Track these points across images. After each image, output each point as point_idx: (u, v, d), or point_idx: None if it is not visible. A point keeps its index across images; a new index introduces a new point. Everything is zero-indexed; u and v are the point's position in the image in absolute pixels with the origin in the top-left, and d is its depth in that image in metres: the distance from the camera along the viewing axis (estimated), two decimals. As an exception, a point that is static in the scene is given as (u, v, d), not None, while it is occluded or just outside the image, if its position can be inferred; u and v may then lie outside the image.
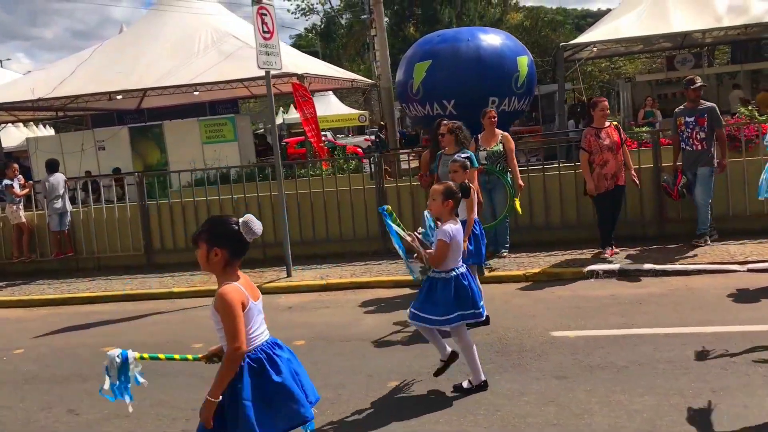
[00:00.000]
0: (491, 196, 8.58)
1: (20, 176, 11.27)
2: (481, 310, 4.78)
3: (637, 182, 8.43)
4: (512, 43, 16.22)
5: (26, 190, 11.21)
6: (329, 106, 30.10)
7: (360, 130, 33.62)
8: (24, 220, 11.03)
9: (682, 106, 8.85)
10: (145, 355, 3.52)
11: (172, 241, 10.67)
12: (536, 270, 8.06)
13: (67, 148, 19.37)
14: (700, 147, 8.46)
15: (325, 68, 21.05)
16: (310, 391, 3.33)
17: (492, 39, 15.65)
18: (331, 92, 30.09)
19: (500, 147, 8.55)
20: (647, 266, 7.74)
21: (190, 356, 3.65)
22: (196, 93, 20.84)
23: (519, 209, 7.98)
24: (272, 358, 3.19)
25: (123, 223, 10.79)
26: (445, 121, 7.65)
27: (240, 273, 3.25)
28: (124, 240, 10.81)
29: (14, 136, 30.72)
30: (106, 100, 20.35)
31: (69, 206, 11.06)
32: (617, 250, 8.42)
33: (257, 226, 3.18)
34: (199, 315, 7.98)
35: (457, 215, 4.90)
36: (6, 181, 10.93)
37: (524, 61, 15.96)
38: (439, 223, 4.75)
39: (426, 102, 16.18)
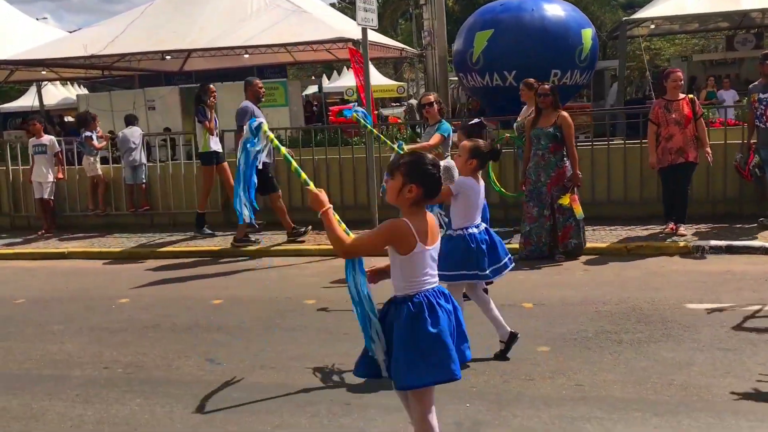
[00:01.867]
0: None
1: (99, 129, 11.10)
2: (487, 272, 4.69)
3: (710, 160, 7.97)
4: (577, 15, 15.87)
5: (104, 143, 11.05)
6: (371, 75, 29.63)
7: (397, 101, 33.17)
8: (100, 172, 10.88)
9: (756, 83, 8.52)
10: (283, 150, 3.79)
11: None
12: (637, 244, 7.83)
13: (117, 106, 19.13)
14: None
15: (374, 36, 20.69)
16: (461, 351, 3.18)
17: (556, 10, 15.30)
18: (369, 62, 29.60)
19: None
20: (757, 243, 7.52)
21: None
22: (246, 56, 20.53)
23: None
24: (433, 306, 3.06)
25: (200, 180, 10.58)
26: (427, 95, 7.82)
27: (427, 214, 3.13)
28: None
29: (52, 94, 30.51)
30: (158, 59, 20.10)
31: (143, 159, 10.89)
32: (683, 228, 8.01)
33: (457, 173, 3.20)
34: (295, 274, 7.84)
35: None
36: (86, 133, 10.76)
37: (588, 34, 15.61)
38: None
39: (486, 72, 15.87)
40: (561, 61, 15.00)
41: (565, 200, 7.46)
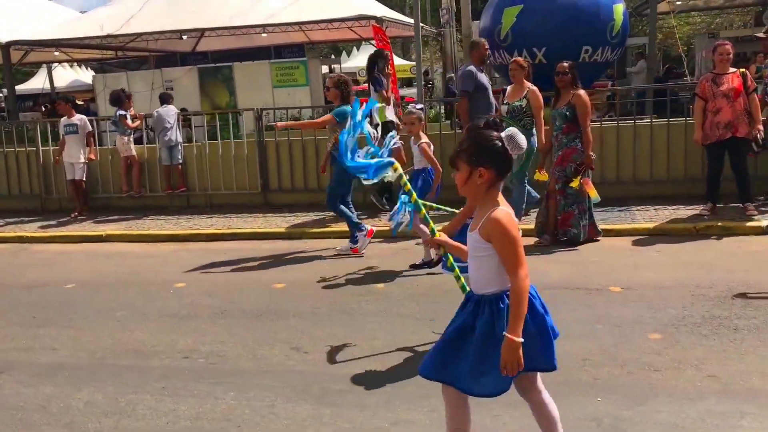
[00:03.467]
0: None
1: (132, 108, 10.68)
2: None
3: (761, 137, 7.55)
4: (608, -11, 15.37)
5: (138, 122, 10.63)
6: (380, 56, 29.08)
7: (409, 82, 32.70)
8: (134, 152, 10.48)
9: None
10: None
11: (290, 180, 10.10)
12: (706, 224, 7.47)
13: (135, 87, 18.66)
14: None
15: (390, 13, 20.22)
16: (553, 330, 2.89)
17: (588, -17, 14.82)
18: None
19: (524, 102, 7.57)
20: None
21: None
22: (265, 35, 20.06)
23: (544, 177, 7.32)
24: (532, 301, 2.75)
25: (239, 161, 10.21)
26: (331, 75, 7.81)
27: (502, 197, 2.79)
28: (240, 178, 10.24)
29: (62, 76, 29.92)
30: (172, 39, 19.60)
31: (180, 139, 10.48)
32: (752, 207, 7.64)
33: (522, 140, 2.76)
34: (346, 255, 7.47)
35: None
36: (120, 112, 10.34)
37: (620, 10, 15.14)
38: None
39: (514, 49, 15.37)
40: (592, 37, 14.54)
41: (575, 183, 7.04)
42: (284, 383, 4.22)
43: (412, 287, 6.07)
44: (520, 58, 8.60)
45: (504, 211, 2.70)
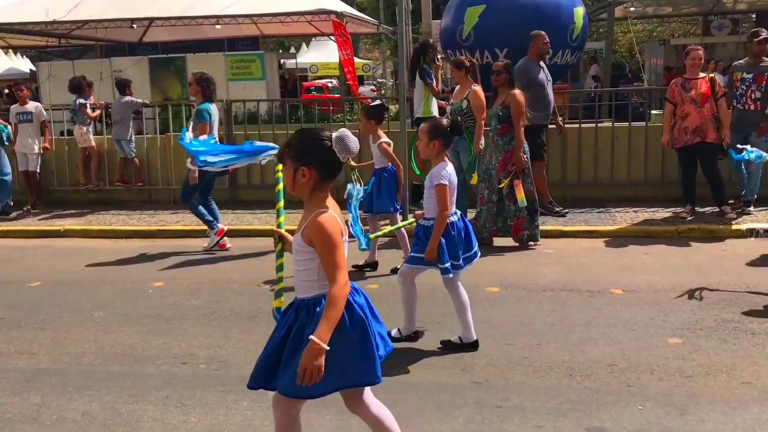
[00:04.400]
0: (458, 156, 7.29)
1: (92, 98, 10.07)
2: (460, 262, 4.35)
3: (726, 142, 7.51)
4: (569, -7, 15.47)
5: (98, 112, 10.03)
6: (331, 53, 28.78)
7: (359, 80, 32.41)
8: (93, 143, 9.89)
9: (742, 61, 8.18)
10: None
11: (260, 176, 9.72)
12: (688, 227, 7.49)
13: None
14: (753, 107, 7.77)
15: (349, 10, 19.93)
16: (381, 343, 2.77)
17: (549, -14, 14.88)
18: (329, 38, 28.77)
19: (465, 103, 7.21)
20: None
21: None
22: (219, 26, 19.43)
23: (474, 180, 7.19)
24: (350, 304, 2.63)
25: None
26: (194, 71, 7.73)
27: (331, 200, 2.70)
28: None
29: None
30: (119, 28, 18.80)
31: (132, 132, 9.89)
32: (729, 211, 7.71)
33: (353, 143, 2.65)
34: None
35: None
36: (80, 100, 9.73)
37: (580, 13, 15.25)
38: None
39: (476, 49, 15.30)
40: (553, 39, 14.36)
41: (504, 184, 6.91)
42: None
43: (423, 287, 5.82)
44: (461, 57, 8.44)
45: (329, 215, 2.59)
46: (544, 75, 8.04)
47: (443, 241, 4.23)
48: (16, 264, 7.33)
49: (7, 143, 9.38)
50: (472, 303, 4.46)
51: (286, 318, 2.71)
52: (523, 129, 6.94)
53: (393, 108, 14.64)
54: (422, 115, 8.34)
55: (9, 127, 9.40)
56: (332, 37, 28.62)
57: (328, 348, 2.46)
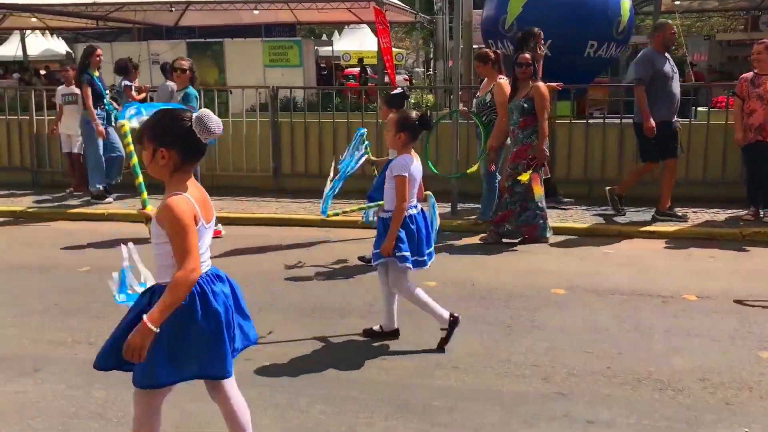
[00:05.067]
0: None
1: (137, 80, 9.92)
2: (425, 258, 4.27)
3: None
4: (617, -16, 15.05)
5: (142, 94, 9.87)
6: (364, 41, 28.48)
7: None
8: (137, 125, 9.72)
9: None
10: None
11: (303, 165, 9.51)
12: (753, 230, 7.14)
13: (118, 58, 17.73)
14: None
15: (388, -1, 19.62)
16: (240, 335, 2.73)
17: (597, -23, 14.47)
18: (366, 26, 28.46)
19: (489, 96, 7.21)
20: None
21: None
22: (257, 12, 19.24)
23: (474, 169, 7.09)
24: (205, 294, 2.56)
25: (251, 141, 9.58)
26: (184, 58, 7.83)
27: (195, 185, 2.62)
28: (251, 160, 9.60)
29: (33, 44, 28.50)
30: (156, 11, 18.73)
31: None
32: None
33: (214, 124, 2.54)
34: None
35: None
36: (125, 82, 9.58)
37: (627, 6, 14.81)
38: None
39: (519, 41, 14.97)
40: (599, 32, 14.18)
41: (524, 177, 6.63)
42: (374, 395, 3.71)
43: (465, 287, 5.59)
44: (486, 49, 8.18)
45: (182, 197, 2.50)
46: (670, 67, 7.55)
47: (402, 232, 4.14)
48: (63, 248, 7.20)
49: (114, 124, 9.01)
50: (538, 304, 4.23)
51: (139, 302, 2.65)
52: (547, 122, 6.74)
53: (430, 97, 14.37)
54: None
55: (115, 105, 9.14)
56: (365, 25, 28.48)
57: (156, 330, 2.41)
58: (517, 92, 6.83)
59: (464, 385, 3.80)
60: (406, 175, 4.12)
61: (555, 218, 7.58)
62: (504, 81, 7.08)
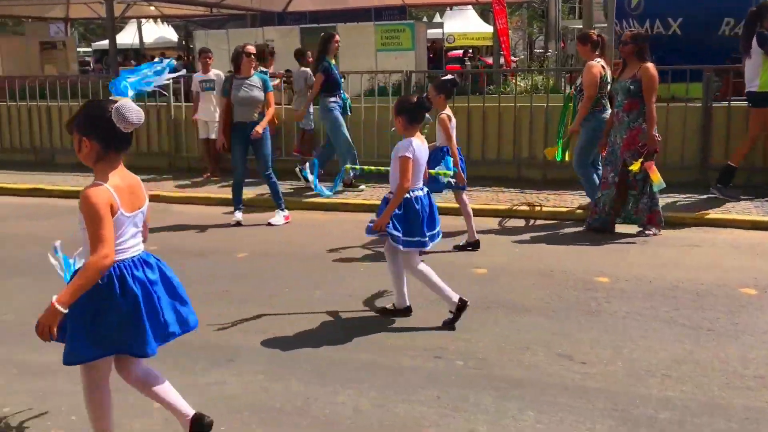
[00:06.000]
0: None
1: (272, 66, 9.94)
2: (426, 239, 4.36)
3: None
4: (751, -43, 14.02)
5: (276, 81, 9.89)
6: (468, 23, 27.95)
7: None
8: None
9: None
10: None
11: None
12: None
13: (234, 45, 17.96)
14: None
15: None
16: (182, 319, 2.86)
17: (730, -52, 13.49)
18: (470, 7, 27.90)
19: (579, 80, 7.10)
20: None
21: None
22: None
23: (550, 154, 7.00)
24: (124, 277, 2.68)
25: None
26: (250, 45, 7.58)
27: (121, 174, 2.71)
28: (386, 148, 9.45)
29: (147, 32, 29.44)
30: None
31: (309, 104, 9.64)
32: None
33: (133, 114, 2.62)
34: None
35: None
36: (261, 68, 9.57)
37: (765, -20, 13.77)
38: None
39: (646, 19, 14.16)
40: (735, 7, 13.23)
41: (635, 167, 6.21)
42: (587, 403, 3.44)
43: (642, 284, 5.22)
44: (590, 31, 7.67)
45: (100, 188, 2.61)
46: None
47: (400, 213, 4.26)
48: (213, 234, 7.27)
49: (350, 112, 8.91)
50: (733, 306, 3.91)
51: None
52: (655, 105, 6.29)
53: (538, 78, 13.71)
54: (759, 89, 7.37)
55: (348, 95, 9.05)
56: (470, 7, 27.87)
57: (64, 311, 2.53)
58: (622, 72, 6.53)
59: (685, 396, 3.48)
60: (410, 156, 4.21)
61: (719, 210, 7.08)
62: (596, 63, 6.77)
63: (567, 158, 7.28)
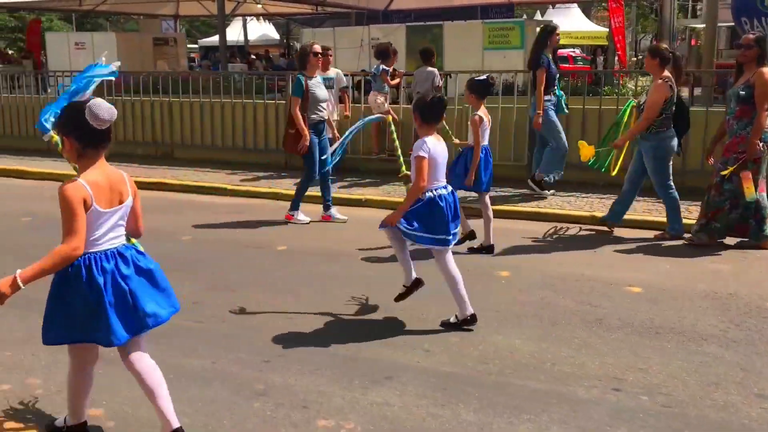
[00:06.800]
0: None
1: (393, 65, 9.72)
2: (450, 237, 4.31)
3: None
4: None
5: (397, 80, 9.66)
6: (572, 21, 27.03)
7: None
8: (389, 111, 9.51)
9: None
10: None
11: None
12: None
13: (340, 43, 17.96)
14: None
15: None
16: (160, 307, 2.95)
17: None
18: (575, 5, 27.01)
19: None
20: None
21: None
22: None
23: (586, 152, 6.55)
24: (91, 269, 2.78)
25: (505, 128, 9.05)
26: (317, 44, 7.36)
27: (102, 170, 2.83)
28: (505, 148, 9.07)
29: (251, 30, 29.98)
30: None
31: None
32: None
33: (104, 111, 2.73)
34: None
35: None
36: (383, 66, 9.39)
37: None
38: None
39: (785, 17, 13.20)
40: None
41: (726, 171, 5.79)
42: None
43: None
44: (660, 44, 7.06)
45: (74, 184, 2.72)
46: None
47: (425, 211, 4.23)
48: (337, 234, 7.08)
49: (566, 111, 8.45)
50: None
51: None
52: (766, 113, 5.70)
53: (644, 81, 12.86)
54: None
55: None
56: (575, 5, 26.95)
57: (22, 287, 2.64)
58: (737, 78, 6.10)
59: None
60: (426, 156, 4.18)
61: None
62: (663, 84, 6.19)
63: (613, 173, 6.81)
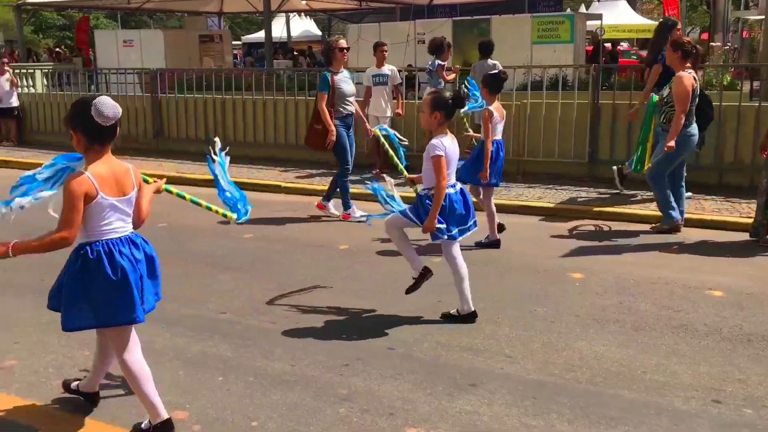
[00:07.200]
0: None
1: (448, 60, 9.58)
2: (455, 232, 4.37)
3: None
4: None
5: (453, 75, 9.51)
6: (619, 14, 26.44)
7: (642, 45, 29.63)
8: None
9: None
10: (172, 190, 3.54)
11: (609, 149, 8.59)
12: None
13: (386, 38, 17.79)
14: None
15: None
16: (147, 299, 3.05)
17: None
18: (624, -1, 26.42)
19: (666, 90, 6.32)
20: None
21: None
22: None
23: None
24: (112, 253, 2.91)
25: (565, 124, 8.83)
26: (342, 39, 7.34)
27: (110, 163, 2.94)
28: (565, 144, 8.85)
29: (294, 26, 30.00)
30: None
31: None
32: None
33: (108, 108, 2.82)
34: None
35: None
36: (438, 61, 9.24)
37: None
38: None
39: None
40: None
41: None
42: None
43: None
44: (684, 38, 6.78)
45: (79, 178, 2.81)
46: None
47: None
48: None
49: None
50: None
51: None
52: None
53: (726, 77, 12.45)
54: None
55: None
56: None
57: (12, 255, 2.78)
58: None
59: None
60: (443, 154, 4.20)
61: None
62: (686, 74, 6.04)
63: (644, 170, 6.67)
